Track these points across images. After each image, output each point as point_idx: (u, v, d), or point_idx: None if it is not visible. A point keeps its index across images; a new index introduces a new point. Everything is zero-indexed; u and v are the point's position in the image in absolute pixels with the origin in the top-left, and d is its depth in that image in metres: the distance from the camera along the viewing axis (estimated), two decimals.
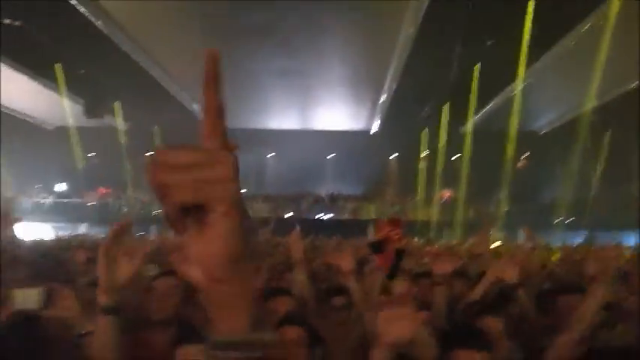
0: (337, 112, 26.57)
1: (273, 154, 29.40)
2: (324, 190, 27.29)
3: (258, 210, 23.84)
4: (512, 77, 18.55)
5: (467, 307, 2.89)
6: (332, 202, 25.92)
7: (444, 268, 2.91)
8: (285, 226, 5.85)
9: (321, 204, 25.76)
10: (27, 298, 1.47)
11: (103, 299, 1.49)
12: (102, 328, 1.50)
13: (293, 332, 1.89)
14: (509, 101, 20.73)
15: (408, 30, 16.58)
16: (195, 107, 25.56)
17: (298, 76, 20.96)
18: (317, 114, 26.83)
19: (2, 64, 18.85)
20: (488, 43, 16.89)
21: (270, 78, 21.25)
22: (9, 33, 17.17)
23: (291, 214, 24.05)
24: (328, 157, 29.22)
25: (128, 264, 1.53)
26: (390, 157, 29.18)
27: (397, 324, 1.47)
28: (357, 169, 28.02)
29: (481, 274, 3.57)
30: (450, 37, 16.62)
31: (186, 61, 15.54)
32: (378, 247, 3.06)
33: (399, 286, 2.53)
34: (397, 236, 2.95)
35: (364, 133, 28.65)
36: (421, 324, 1.52)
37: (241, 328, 0.65)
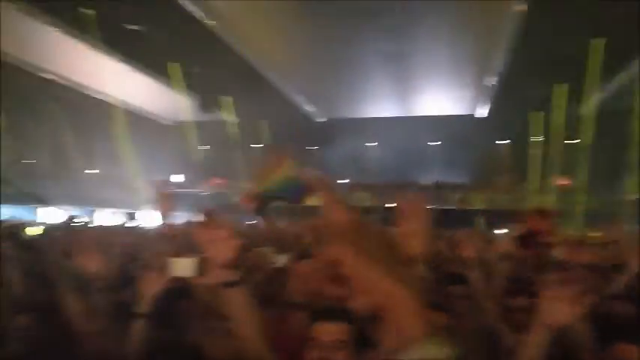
0: (441, 97, 25.77)
1: (374, 142, 29.26)
2: (428, 179, 26.62)
3: (360, 199, 23.89)
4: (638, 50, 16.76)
5: (608, 299, 2.66)
6: (437, 190, 25.23)
7: (584, 258, 2.70)
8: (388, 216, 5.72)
9: (425, 193, 25.16)
10: (183, 266, 1.61)
11: (219, 276, 1.57)
12: (229, 301, 1.60)
13: (438, 318, 1.87)
14: (636, 77, 18.78)
15: (518, 5, 15.57)
16: (299, 99, 26.25)
17: (400, 60, 20.59)
18: (419, 99, 26.23)
19: (125, 65, 20.74)
20: (610, 13, 15.34)
21: (371, 63, 21.12)
22: (131, 37, 18.87)
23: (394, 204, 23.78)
24: (432, 144, 28.48)
25: (229, 243, 1.59)
26: (499, 143, 27.75)
27: (559, 305, 1.42)
28: (463, 156, 26.91)
29: (615, 265, 3.30)
30: (566, 10, 15.34)
31: (290, 55, 15.95)
32: (524, 239, 2.89)
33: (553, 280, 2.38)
34: (546, 229, 2.75)
35: (470, 118, 27.47)
36: (584, 308, 1.45)
37: (416, 339, 0.76)
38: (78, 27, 17.96)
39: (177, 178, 28.76)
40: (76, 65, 20.67)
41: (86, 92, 23.06)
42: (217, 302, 1.65)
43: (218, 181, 27.20)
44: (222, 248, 1.54)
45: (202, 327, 1.82)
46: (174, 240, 2.11)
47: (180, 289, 1.81)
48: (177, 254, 1.66)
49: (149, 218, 10.25)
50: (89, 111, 22.79)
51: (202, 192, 26.84)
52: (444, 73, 22.22)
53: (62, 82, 21.97)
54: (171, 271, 1.64)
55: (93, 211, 20.23)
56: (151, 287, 1.76)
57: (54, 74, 21.38)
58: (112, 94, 22.97)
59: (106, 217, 18.33)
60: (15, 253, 3.13)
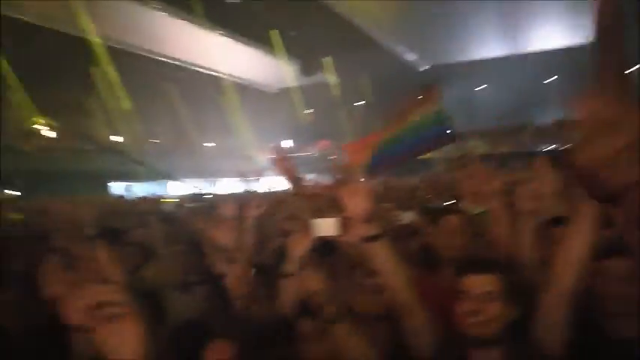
0: (555, 27, 23.49)
1: (484, 85, 27.59)
2: (546, 118, 24.60)
3: (474, 147, 22.82)
4: None
5: None
6: (558, 130, 23.24)
7: None
8: (505, 163, 5.38)
9: (545, 134, 23.30)
10: (326, 226, 1.66)
11: (361, 232, 1.59)
12: (374, 256, 1.63)
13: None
14: None
15: None
16: (400, 50, 25.46)
17: None
18: (531, 33, 24.15)
19: (228, 39, 21.53)
20: None
21: (473, 1, 19.76)
22: (230, 10, 19.44)
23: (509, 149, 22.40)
24: (548, 81, 26.19)
25: (367, 197, 1.63)
26: (633, 68, 24.69)
27: None
28: (587, 89, 24.28)
29: None
30: None
31: (388, 4, 15.31)
32: None
33: None
34: None
35: (591, 46, 24.75)
36: None
37: None
38: (183, 7, 18.92)
39: (286, 143, 29.60)
40: (184, 45, 21.88)
41: (196, 69, 24.42)
42: (363, 258, 1.68)
43: (325, 142, 27.58)
44: (361, 203, 1.58)
45: (350, 284, 1.87)
46: (310, 201, 2.17)
47: (326, 248, 1.87)
48: (318, 215, 1.71)
49: (269, 184, 10.70)
50: (200, 87, 24.14)
51: (311, 155, 27.43)
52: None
53: (174, 62, 23.44)
54: (315, 231, 1.69)
55: (215, 181, 21.59)
56: (297, 248, 1.83)
57: (166, 56, 22.88)
58: (219, 68, 24.07)
59: (228, 187, 19.42)
60: (162, 227, 3.43)
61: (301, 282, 1.75)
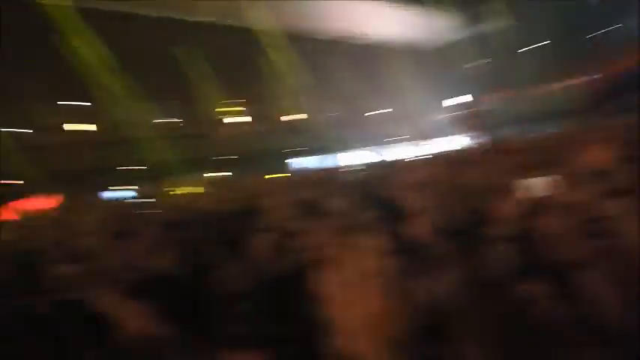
0: None
1: None
2: None
3: None
4: None
5: None
6: None
7: None
8: None
9: None
10: (536, 185, 1.56)
11: (598, 186, 1.43)
12: (615, 214, 1.42)
13: None
14: None
15: None
16: None
17: None
18: None
19: (384, 2, 21.26)
20: None
21: None
22: None
23: None
24: None
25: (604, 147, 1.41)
26: None
27: None
28: None
29: None
30: None
31: None
32: None
33: None
34: None
35: None
36: None
37: None
38: None
39: (463, 98, 27.92)
40: (345, 18, 22.25)
41: (359, 41, 24.63)
42: (592, 219, 1.52)
43: (502, 93, 25.58)
44: (599, 153, 1.39)
45: (570, 247, 1.71)
46: (511, 158, 2.01)
47: (536, 209, 1.73)
48: (524, 172, 1.59)
49: (446, 145, 10.36)
50: (365, 56, 24.34)
51: (487, 108, 25.74)
52: None
53: (337, 37, 24.00)
54: (527, 191, 1.58)
55: (393, 147, 21.65)
56: (505, 209, 1.71)
57: (327, 33, 23.57)
58: (381, 34, 23.96)
59: (406, 152, 19.28)
60: (356, 196, 3.52)
61: (539, 228, 1.62)
